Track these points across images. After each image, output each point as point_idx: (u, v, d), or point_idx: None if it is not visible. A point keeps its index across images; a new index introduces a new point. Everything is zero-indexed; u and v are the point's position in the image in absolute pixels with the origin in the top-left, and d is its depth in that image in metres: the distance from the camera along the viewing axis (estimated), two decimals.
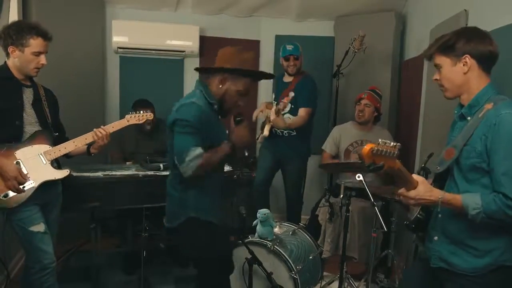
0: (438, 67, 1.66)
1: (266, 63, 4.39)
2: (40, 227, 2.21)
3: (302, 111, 3.49)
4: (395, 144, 1.40)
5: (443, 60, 1.63)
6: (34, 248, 2.21)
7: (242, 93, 2.09)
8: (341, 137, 3.48)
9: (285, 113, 3.55)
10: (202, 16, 4.23)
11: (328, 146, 3.54)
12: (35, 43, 2.16)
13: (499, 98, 1.57)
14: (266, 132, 3.52)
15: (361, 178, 2.54)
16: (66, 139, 2.42)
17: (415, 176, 1.58)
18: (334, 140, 3.51)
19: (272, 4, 4.16)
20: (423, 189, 1.55)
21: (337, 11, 4.19)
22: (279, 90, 3.64)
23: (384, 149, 1.38)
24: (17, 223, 2.19)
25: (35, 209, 2.23)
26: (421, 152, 3.37)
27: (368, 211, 3.08)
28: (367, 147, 1.38)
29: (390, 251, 3.10)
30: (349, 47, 3.67)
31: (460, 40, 1.59)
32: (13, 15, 3.00)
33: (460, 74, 1.60)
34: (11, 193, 2.12)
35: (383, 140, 1.40)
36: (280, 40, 4.34)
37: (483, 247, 1.55)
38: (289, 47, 3.52)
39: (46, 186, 2.27)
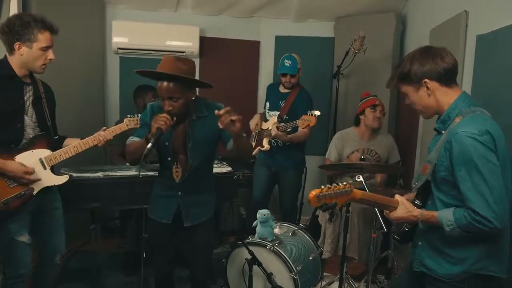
0: (405, 94, 1.71)
1: (266, 64, 4.41)
2: (25, 238, 2.17)
3: (305, 129, 3.30)
4: (345, 183, 1.53)
5: (406, 89, 1.68)
6: (14, 257, 2.17)
7: (160, 97, 2.08)
8: (344, 144, 3.45)
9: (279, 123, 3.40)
10: (202, 16, 4.23)
11: (332, 155, 3.49)
12: (43, 38, 2.07)
13: (469, 111, 1.59)
14: (266, 145, 3.41)
15: (361, 179, 2.55)
16: (62, 139, 2.37)
17: (397, 197, 1.68)
18: (336, 148, 3.48)
19: (272, 5, 4.16)
20: (401, 210, 1.66)
21: (337, 12, 4.20)
22: (275, 100, 3.50)
23: (331, 192, 1.49)
24: (5, 230, 2.13)
25: (26, 218, 2.19)
26: (421, 152, 3.37)
27: (368, 211, 3.08)
28: (312, 193, 1.48)
29: (390, 252, 3.11)
30: (349, 48, 3.67)
31: (414, 66, 1.63)
32: None
33: (426, 97, 1.65)
34: (10, 201, 2.09)
35: (329, 186, 1.50)
36: (280, 41, 4.35)
37: (457, 255, 1.59)
38: (287, 63, 3.35)
39: (42, 192, 2.22)
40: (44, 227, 2.32)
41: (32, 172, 2.12)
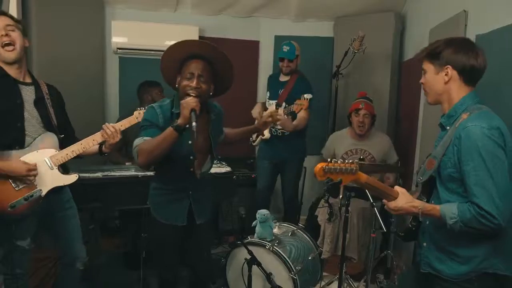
0: (424, 71, 1.72)
1: (265, 64, 4.40)
2: (25, 243, 2.15)
3: (303, 113, 3.42)
4: (352, 161, 1.52)
5: (428, 66, 1.69)
6: (10, 258, 2.15)
7: (186, 77, 2.01)
8: (336, 145, 3.46)
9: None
10: (201, 16, 4.23)
11: (325, 153, 3.57)
12: None
13: (476, 108, 1.58)
14: (267, 134, 3.48)
15: None
16: (76, 139, 2.30)
17: (397, 188, 1.67)
18: (329, 149, 3.52)
19: (272, 5, 4.16)
20: (402, 200, 1.63)
21: (337, 12, 4.20)
22: (275, 89, 3.62)
23: (338, 167, 1.49)
24: (8, 234, 2.11)
25: (32, 222, 2.16)
26: (421, 152, 3.37)
27: (368, 211, 3.09)
28: (318, 166, 1.49)
29: (389, 251, 3.11)
30: (349, 48, 3.67)
31: (448, 49, 1.62)
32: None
33: (441, 83, 1.65)
34: (18, 204, 2.06)
35: (335, 160, 1.51)
36: (280, 41, 4.33)
37: (464, 254, 1.59)
38: (285, 49, 3.49)
39: (50, 194, 2.17)
40: (59, 233, 2.29)
41: (35, 168, 2.06)
